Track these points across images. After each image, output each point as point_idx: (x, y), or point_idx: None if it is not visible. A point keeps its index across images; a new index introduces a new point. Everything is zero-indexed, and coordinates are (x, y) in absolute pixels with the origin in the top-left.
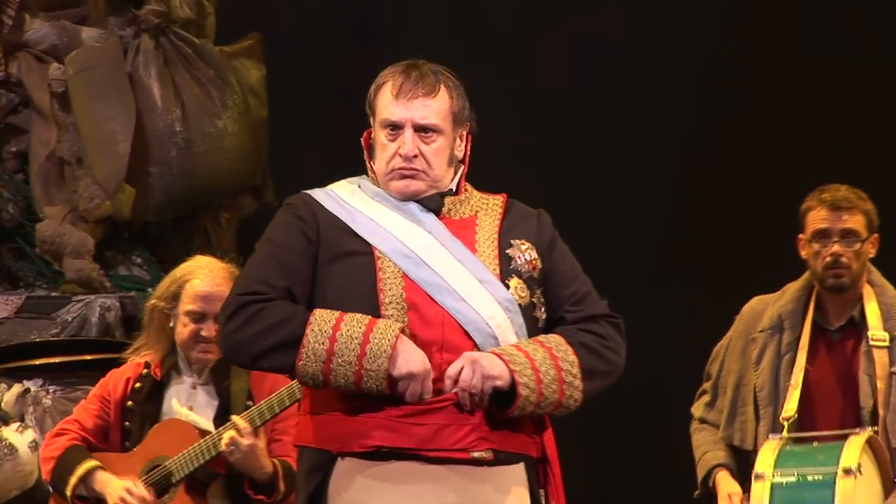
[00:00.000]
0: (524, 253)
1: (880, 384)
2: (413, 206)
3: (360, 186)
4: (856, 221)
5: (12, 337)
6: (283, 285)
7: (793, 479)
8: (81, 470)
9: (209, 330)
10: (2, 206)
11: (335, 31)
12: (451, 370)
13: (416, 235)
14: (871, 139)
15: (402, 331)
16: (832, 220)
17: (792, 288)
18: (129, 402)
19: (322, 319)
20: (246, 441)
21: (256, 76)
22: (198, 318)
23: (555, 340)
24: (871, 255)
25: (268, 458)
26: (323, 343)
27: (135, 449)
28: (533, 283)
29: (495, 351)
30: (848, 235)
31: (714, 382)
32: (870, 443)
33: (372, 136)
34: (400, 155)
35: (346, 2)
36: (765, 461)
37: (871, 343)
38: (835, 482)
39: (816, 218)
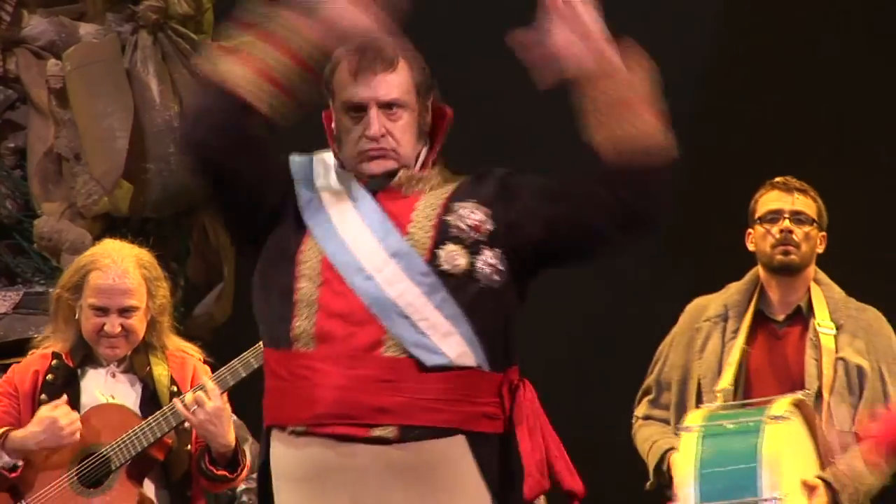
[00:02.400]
0: (466, 217)
1: (826, 370)
2: (354, 183)
3: (329, 160)
4: (807, 205)
5: (10, 333)
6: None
7: (720, 428)
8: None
9: (113, 325)
10: (0, 203)
11: None
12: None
13: (343, 212)
14: (864, 137)
15: None
16: (784, 200)
17: (736, 284)
18: (43, 396)
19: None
20: (212, 403)
21: None
22: (100, 312)
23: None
24: (819, 251)
25: (232, 428)
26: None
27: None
28: (481, 245)
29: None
30: (799, 215)
31: (657, 378)
32: (798, 405)
33: (333, 118)
34: (367, 136)
35: None
36: (694, 418)
37: (819, 330)
38: (762, 427)
39: (768, 200)
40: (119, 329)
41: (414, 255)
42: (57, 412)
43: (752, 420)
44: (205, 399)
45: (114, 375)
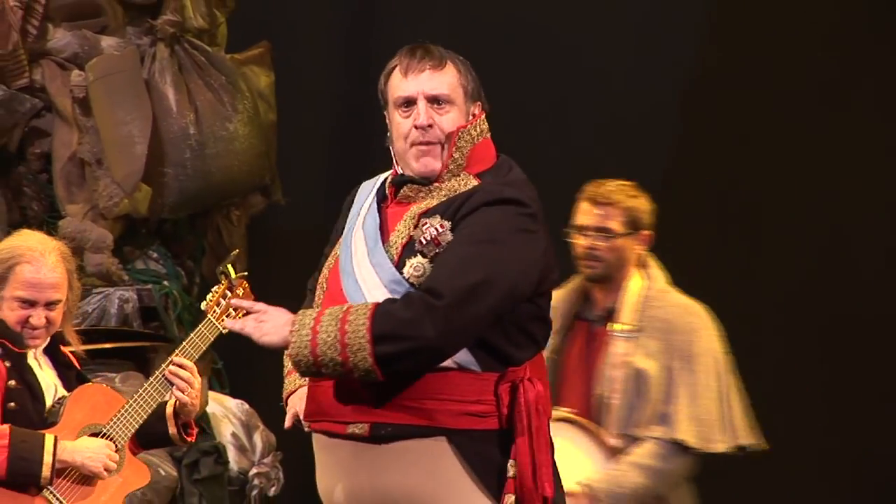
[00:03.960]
0: (426, 232)
1: (611, 372)
2: (377, 192)
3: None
4: (611, 218)
5: None
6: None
7: None
8: (49, 444)
9: (38, 318)
10: (26, 205)
11: (338, 41)
12: (235, 325)
13: (359, 223)
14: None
15: None
16: (588, 215)
17: (571, 281)
18: (12, 382)
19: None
20: (197, 379)
21: (265, 82)
22: (26, 305)
23: (361, 307)
24: (639, 251)
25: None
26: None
27: (57, 425)
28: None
29: (301, 314)
30: (603, 231)
31: None
32: (566, 421)
33: (388, 124)
34: (416, 127)
35: (348, 13)
36: None
37: (613, 334)
38: None
39: (578, 212)
40: (44, 321)
41: (388, 265)
42: (108, 447)
43: None
44: (193, 378)
45: (37, 359)
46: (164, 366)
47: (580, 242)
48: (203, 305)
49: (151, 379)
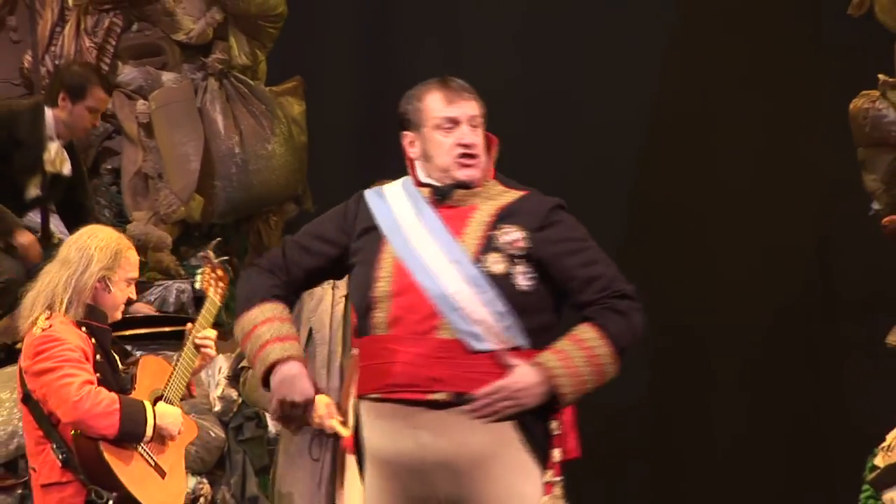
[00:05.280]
0: (507, 235)
1: None
2: (420, 200)
3: (402, 184)
4: None
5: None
6: (295, 276)
7: None
8: (150, 411)
9: (133, 294)
10: (100, 212)
11: (360, 77)
12: (487, 391)
13: (412, 223)
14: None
15: (297, 359)
16: None
17: None
18: (98, 356)
19: (247, 322)
20: (215, 341)
21: (298, 110)
22: (132, 283)
23: (589, 339)
24: None
25: None
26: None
27: (136, 391)
28: (515, 257)
29: (546, 365)
30: None
31: None
32: None
33: (414, 143)
34: (461, 144)
35: (366, 54)
36: None
37: None
38: None
39: None
40: (134, 296)
41: (466, 260)
42: (181, 415)
43: None
44: (212, 342)
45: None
46: (190, 337)
47: None
48: (198, 285)
49: (184, 349)
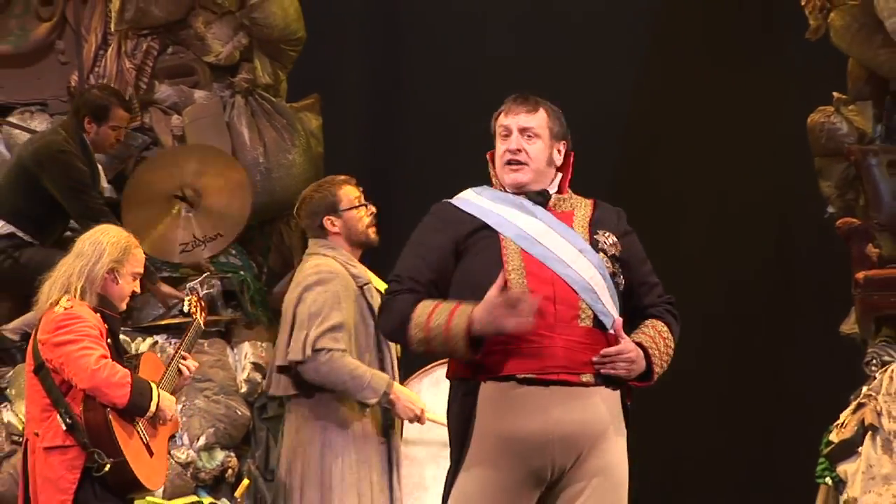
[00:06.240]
0: (607, 238)
1: None
2: (525, 202)
3: (481, 193)
4: None
5: (146, 305)
6: (427, 279)
7: None
8: (155, 391)
9: (138, 287)
10: None
11: (369, 94)
12: (610, 351)
13: (530, 222)
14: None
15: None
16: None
17: None
18: (108, 340)
19: (421, 313)
20: (195, 365)
21: (315, 124)
22: (138, 277)
23: (664, 331)
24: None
25: None
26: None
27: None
28: (615, 259)
29: (644, 344)
30: None
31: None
32: None
33: (493, 153)
34: (508, 150)
35: (377, 73)
36: None
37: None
38: None
39: None
40: (139, 290)
41: (593, 253)
42: (176, 403)
43: None
44: (192, 365)
45: None
46: (174, 357)
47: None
48: (185, 309)
49: (169, 366)
